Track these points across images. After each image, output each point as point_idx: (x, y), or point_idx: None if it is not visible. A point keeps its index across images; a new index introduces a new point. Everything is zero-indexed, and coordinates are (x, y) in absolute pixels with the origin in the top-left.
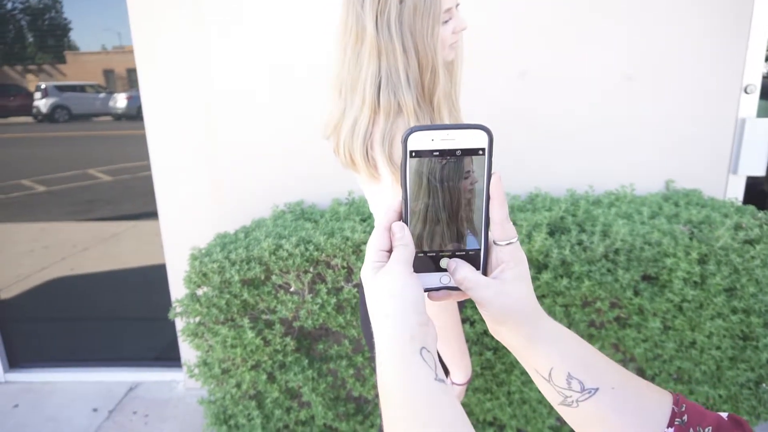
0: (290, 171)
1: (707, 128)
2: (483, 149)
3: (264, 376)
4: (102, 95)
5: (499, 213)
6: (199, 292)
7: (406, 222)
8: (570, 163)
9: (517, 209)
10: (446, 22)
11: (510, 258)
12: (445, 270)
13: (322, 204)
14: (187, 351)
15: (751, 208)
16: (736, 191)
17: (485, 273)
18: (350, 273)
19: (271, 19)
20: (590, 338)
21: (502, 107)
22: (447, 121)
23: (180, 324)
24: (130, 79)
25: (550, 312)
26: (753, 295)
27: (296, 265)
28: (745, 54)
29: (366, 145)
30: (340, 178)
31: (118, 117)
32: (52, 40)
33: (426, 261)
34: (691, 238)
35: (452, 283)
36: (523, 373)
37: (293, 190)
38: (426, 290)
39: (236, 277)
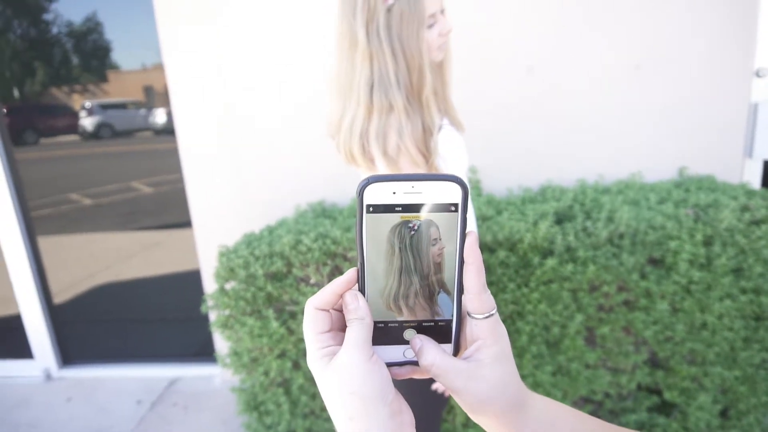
0: (313, 175)
1: (719, 114)
2: (455, 205)
3: (289, 364)
4: (142, 111)
5: (475, 282)
6: (228, 286)
7: (362, 290)
8: (582, 154)
9: (528, 201)
10: (431, 26)
11: (488, 334)
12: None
13: (343, 203)
14: (222, 348)
15: (762, 190)
16: (752, 176)
17: (457, 348)
18: None
19: (292, 30)
20: (600, 322)
21: (511, 99)
22: (436, 117)
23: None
24: (168, 95)
25: (558, 297)
26: (761, 275)
27: (315, 259)
28: (756, 38)
29: (363, 141)
30: (360, 178)
31: (158, 131)
32: (95, 60)
33: (387, 331)
34: (696, 221)
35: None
36: (536, 356)
37: (316, 192)
38: (387, 364)
39: (260, 271)
